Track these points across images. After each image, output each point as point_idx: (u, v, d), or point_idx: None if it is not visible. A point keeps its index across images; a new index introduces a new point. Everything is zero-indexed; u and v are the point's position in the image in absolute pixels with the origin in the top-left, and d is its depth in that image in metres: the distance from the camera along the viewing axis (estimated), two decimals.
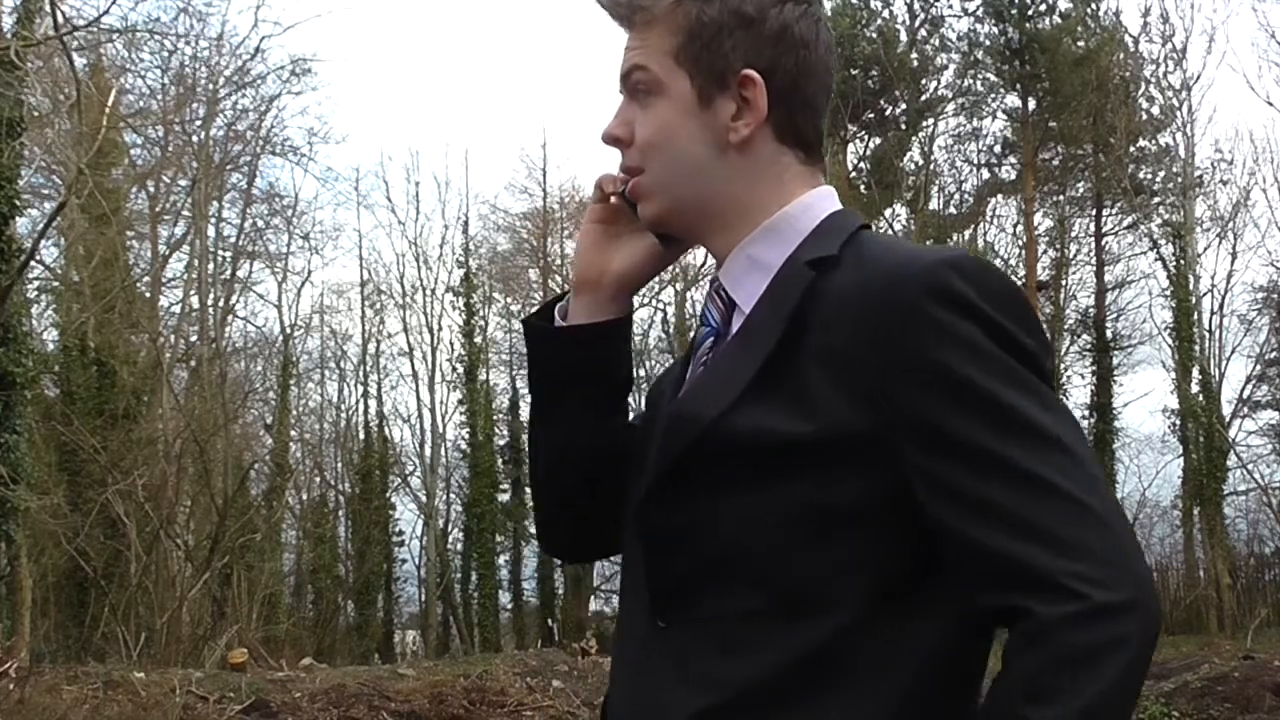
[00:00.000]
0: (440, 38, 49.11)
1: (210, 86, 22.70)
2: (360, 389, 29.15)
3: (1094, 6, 25.40)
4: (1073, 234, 27.20)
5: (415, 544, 28.81)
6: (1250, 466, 24.05)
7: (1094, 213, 26.51)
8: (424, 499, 28.60)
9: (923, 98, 25.83)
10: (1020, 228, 26.17)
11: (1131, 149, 24.69)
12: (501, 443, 28.77)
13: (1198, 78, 24.63)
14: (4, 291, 13.29)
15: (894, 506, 1.14)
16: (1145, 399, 44.58)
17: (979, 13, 25.58)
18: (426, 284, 29.23)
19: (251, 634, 16.94)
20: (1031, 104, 25.67)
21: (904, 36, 25.75)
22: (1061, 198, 26.89)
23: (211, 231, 24.44)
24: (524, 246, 30.96)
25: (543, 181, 30.03)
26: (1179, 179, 24.68)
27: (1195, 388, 23.19)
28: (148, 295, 22.46)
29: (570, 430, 1.39)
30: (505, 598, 28.54)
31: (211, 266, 24.14)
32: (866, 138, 26.17)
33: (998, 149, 26.73)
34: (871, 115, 25.53)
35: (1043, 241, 26.75)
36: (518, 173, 36.07)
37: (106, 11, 15.25)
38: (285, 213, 26.85)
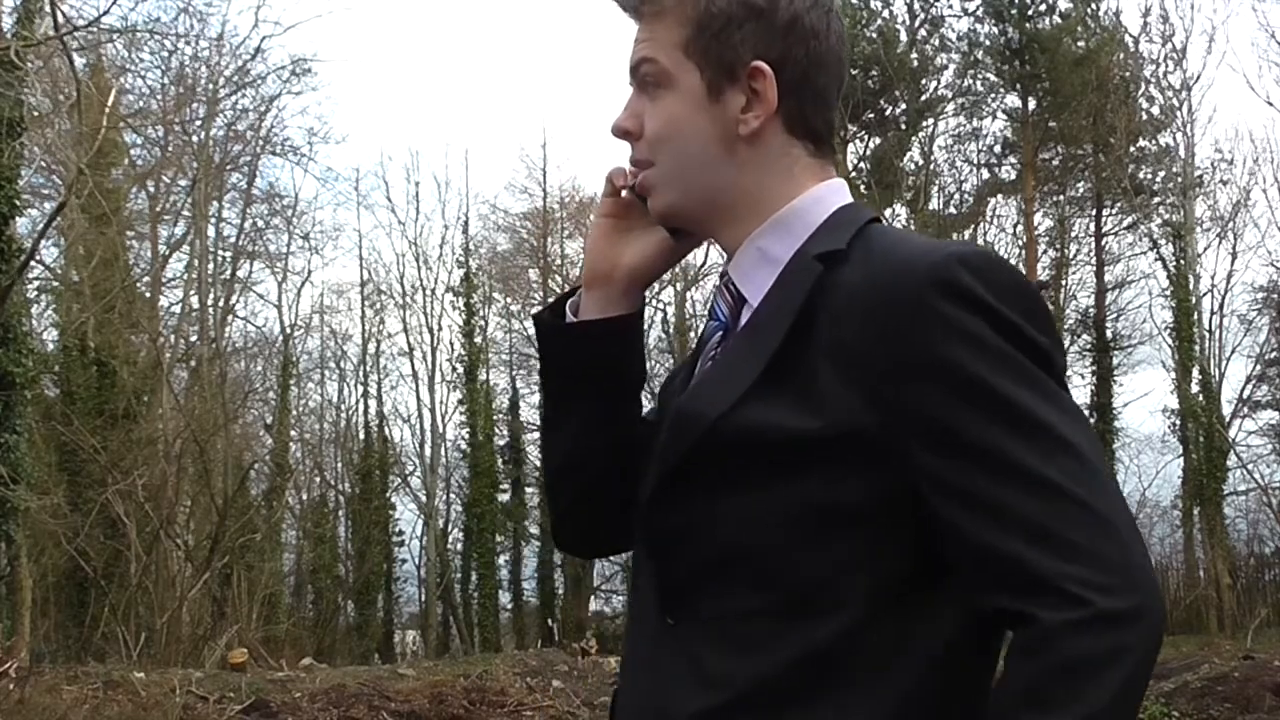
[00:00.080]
0: (440, 38, 49.15)
1: (210, 86, 22.72)
2: (360, 389, 29.20)
3: (1094, 6, 25.41)
4: (1073, 234, 27.22)
5: (415, 544, 28.87)
6: (1250, 466, 24.06)
7: (1094, 213, 26.51)
8: (424, 499, 28.62)
9: (923, 98, 25.83)
10: (1020, 228, 26.18)
11: (1131, 149, 24.69)
12: (501, 443, 28.79)
13: (1198, 78, 24.68)
14: (4, 291, 13.29)
15: (898, 506, 1.14)
16: (1145, 399, 44.66)
17: (979, 13, 25.61)
18: (426, 284, 29.27)
19: (251, 634, 16.94)
20: (1031, 104, 25.68)
21: (904, 36, 25.75)
22: (1061, 198, 26.89)
23: (211, 231, 24.46)
24: (524, 246, 30.98)
25: (543, 181, 30.08)
26: (1179, 179, 24.69)
27: (1195, 388, 23.19)
28: (148, 295, 22.46)
29: (583, 427, 1.38)
30: (505, 598, 28.57)
31: (211, 266, 24.16)
32: (866, 138, 26.18)
33: (998, 149, 26.77)
34: (871, 115, 25.53)
35: (1043, 241, 26.77)
36: (518, 173, 36.12)
37: (106, 11, 15.23)
38: (285, 213, 26.88)
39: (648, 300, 1.45)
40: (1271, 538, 24.24)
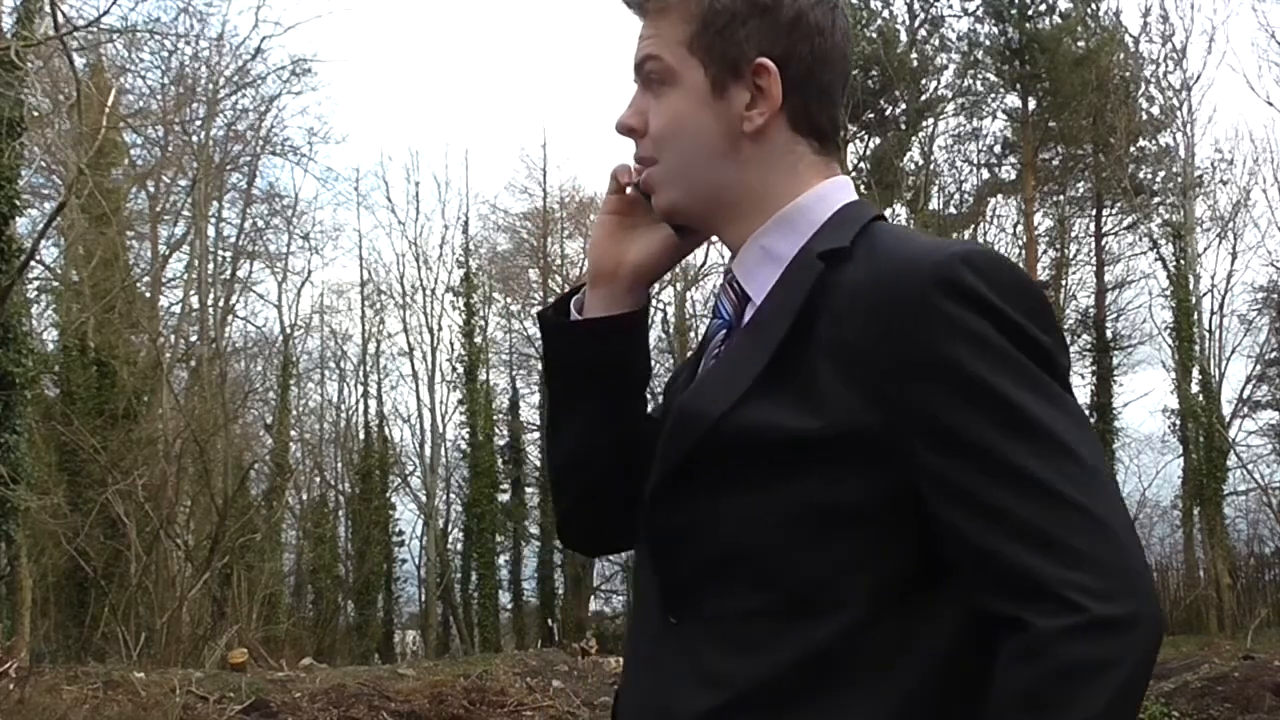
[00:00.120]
0: (440, 38, 49.15)
1: (210, 86, 22.71)
2: (360, 389, 29.21)
3: (1094, 6, 25.40)
4: (1073, 234, 27.21)
5: (415, 544, 28.87)
6: (1250, 466, 24.06)
7: (1094, 213, 26.51)
8: (424, 499, 28.62)
9: (923, 98, 25.83)
10: (1020, 228, 26.18)
11: (1131, 149, 24.69)
12: (501, 443, 28.79)
13: (1198, 78, 24.67)
14: (4, 291, 13.29)
15: (898, 505, 1.13)
16: (1145, 399, 44.63)
17: (979, 13, 25.61)
18: (426, 284, 29.28)
19: (251, 634, 16.94)
20: (1031, 104, 25.68)
21: (904, 36, 25.75)
22: (1061, 198, 26.89)
23: (211, 231, 24.46)
24: (524, 246, 30.98)
25: (543, 181, 30.08)
26: (1179, 179, 24.68)
27: (1195, 388, 23.19)
28: (148, 295, 22.46)
29: (587, 424, 1.38)
30: (505, 598, 28.57)
31: (211, 266, 24.16)
32: (866, 138, 26.18)
33: (998, 149, 26.77)
34: (871, 115, 25.53)
35: (1043, 241, 26.77)
36: (518, 173, 36.14)
37: (107, 12, 15.23)
38: (285, 213, 26.89)
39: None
40: (1271, 538, 24.24)
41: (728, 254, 1.33)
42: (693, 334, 28.12)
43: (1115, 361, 25.39)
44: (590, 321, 1.36)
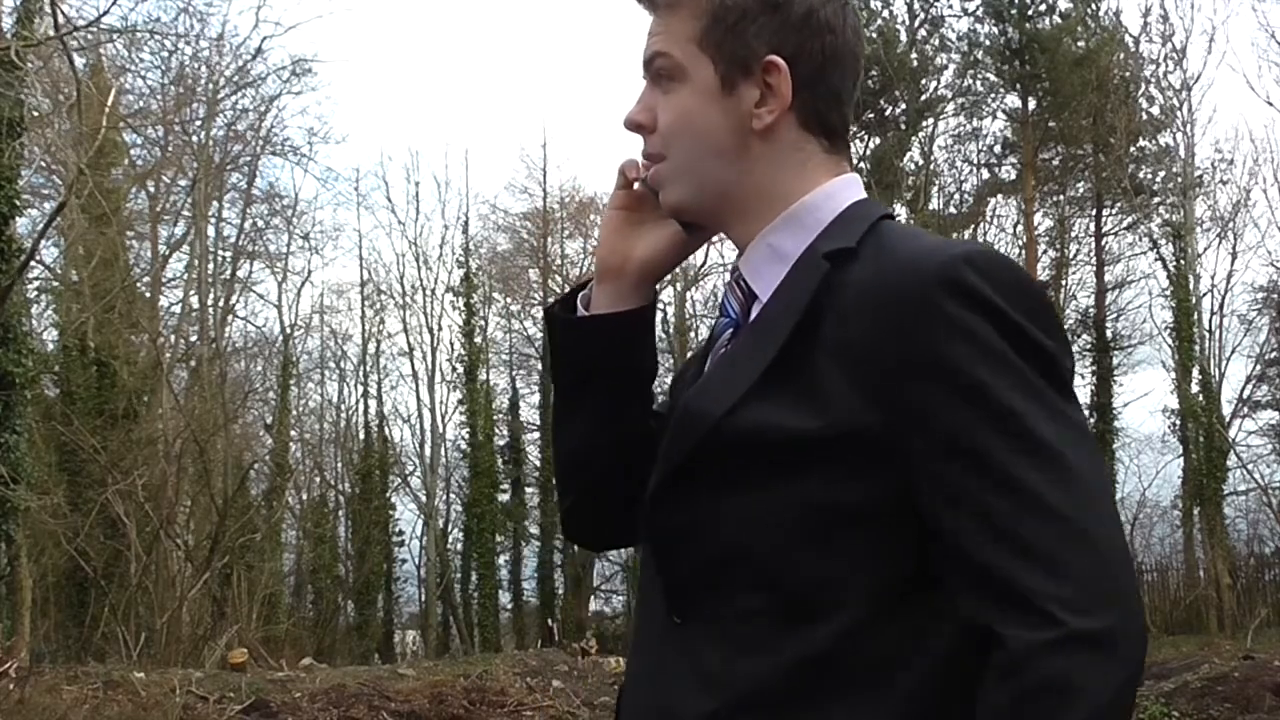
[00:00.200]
0: (440, 38, 49.13)
1: (210, 86, 22.70)
2: (360, 389, 29.19)
3: (1094, 6, 25.38)
4: (1073, 234, 27.18)
5: (415, 544, 28.85)
6: (1250, 466, 24.03)
7: (1094, 213, 26.48)
8: (424, 499, 28.61)
9: (923, 98, 25.81)
10: (1020, 228, 26.15)
11: (1131, 149, 24.66)
12: (501, 443, 28.78)
13: (1198, 78, 24.62)
14: (4, 291, 13.29)
15: (899, 506, 1.13)
16: (1145, 399, 44.58)
17: (979, 13, 25.58)
18: (426, 284, 29.26)
19: (251, 634, 16.93)
20: (1031, 104, 25.66)
21: (904, 36, 25.74)
22: (1061, 198, 26.87)
23: (211, 231, 24.46)
24: (524, 246, 30.97)
25: (543, 181, 30.07)
26: (1179, 179, 24.67)
27: (1195, 388, 23.17)
28: (148, 295, 22.45)
29: (594, 420, 1.38)
30: (505, 598, 28.55)
31: (211, 266, 24.15)
32: (866, 138, 26.15)
33: (998, 149, 26.73)
34: (871, 115, 25.51)
35: (1043, 241, 26.74)
36: (518, 173, 36.13)
37: (107, 12, 15.24)
38: (285, 213, 26.88)
39: None
40: (1271, 538, 24.21)
41: (729, 253, 1.33)
42: (693, 334, 28.12)
43: (1115, 361, 25.37)
44: (597, 317, 1.36)
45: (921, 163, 25.98)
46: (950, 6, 25.98)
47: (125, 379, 19.14)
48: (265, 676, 11.81)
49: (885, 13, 25.67)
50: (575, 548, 24.66)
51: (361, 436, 28.83)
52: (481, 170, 62.64)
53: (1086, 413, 25.22)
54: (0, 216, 13.43)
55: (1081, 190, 26.80)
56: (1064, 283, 26.49)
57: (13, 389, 13.95)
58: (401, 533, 28.56)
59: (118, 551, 17.04)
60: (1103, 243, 26.47)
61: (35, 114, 15.01)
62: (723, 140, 1.26)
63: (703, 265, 26.78)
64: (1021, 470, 1.07)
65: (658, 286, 1.42)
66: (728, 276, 1.35)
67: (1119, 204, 25.63)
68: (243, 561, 19.55)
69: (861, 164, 25.87)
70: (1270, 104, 31.32)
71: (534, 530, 28.85)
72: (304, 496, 27.07)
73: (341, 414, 29.66)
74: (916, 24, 26.05)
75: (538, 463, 28.81)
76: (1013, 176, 26.40)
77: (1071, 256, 27.11)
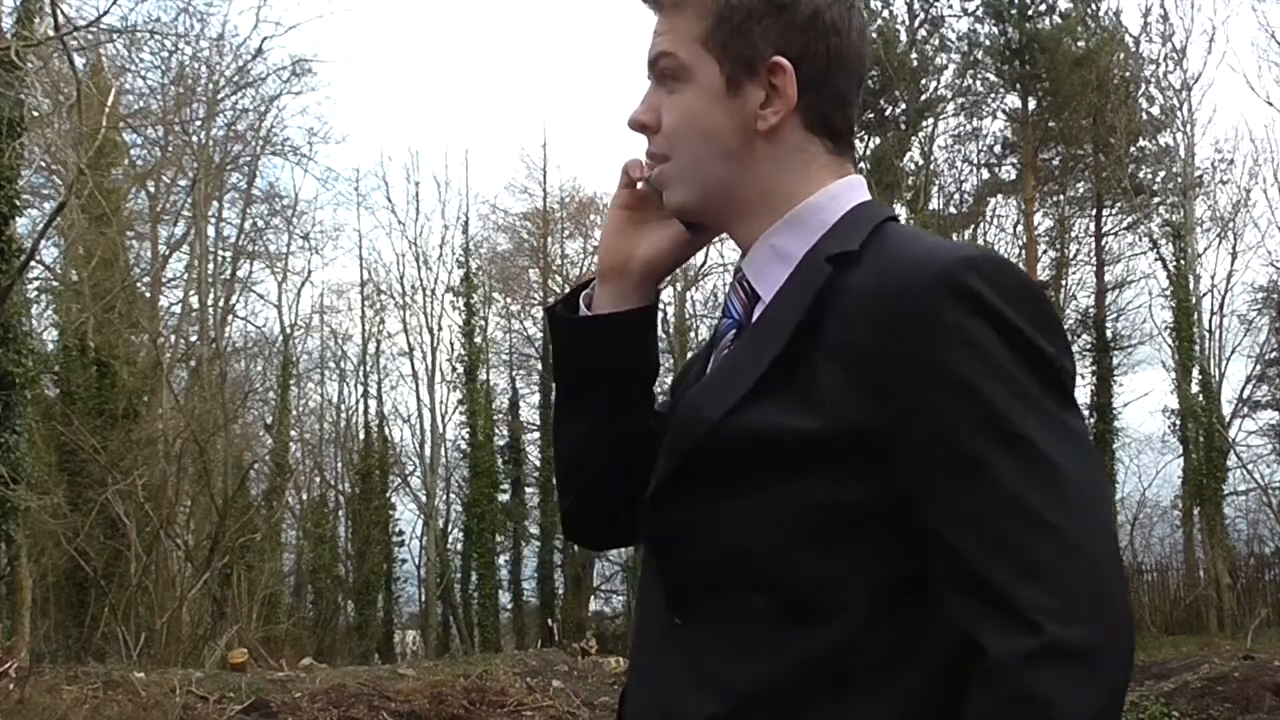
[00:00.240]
0: (440, 38, 49.12)
1: (210, 86, 22.70)
2: (360, 389, 29.19)
3: (1094, 6, 25.38)
4: (1073, 234, 27.18)
5: (415, 544, 28.85)
6: (1250, 466, 24.03)
7: (1094, 213, 26.48)
8: (424, 499, 28.61)
9: (923, 98, 25.81)
10: (1020, 228, 26.15)
11: (1131, 149, 24.65)
12: (501, 443, 28.78)
13: (1198, 78, 24.62)
14: (4, 291, 13.28)
15: (899, 507, 1.13)
16: (1145, 399, 44.51)
17: (979, 13, 25.58)
18: (426, 284, 29.26)
19: (251, 634, 16.93)
20: (1031, 104, 25.66)
21: (904, 36, 25.73)
22: (1061, 198, 26.86)
23: (211, 231, 24.46)
24: (524, 246, 30.97)
25: (543, 181, 30.07)
26: (1179, 179, 24.67)
27: (1195, 388, 23.17)
28: (148, 295, 22.45)
29: (595, 420, 1.37)
30: (505, 598, 28.55)
31: (211, 266, 24.15)
32: (866, 138, 26.15)
33: (998, 149, 26.73)
34: (871, 115, 25.51)
35: (1043, 241, 26.74)
36: (518, 173, 36.10)
37: (107, 12, 15.26)
38: (285, 213, 26.88)
39: None
40: (1271, 538, 24.21)
41: (730, 253, 1.33)
42: (693, 334, 28.12)
43: (1115, 361, 25.37)
44: (599, 317, 1.36)
45: (921, 163, 25.98)
46: (950, 6, 26.00)
47: (125, 379, 19.15)
48: (265, 676, 11.81)
49: (885, 13, 25.67)
50: (575, 548, 24.67)
51: (361, 436, 28.84)
52: (481, 170, 62.73)
53: (1086, 413, 25.29)
54: (0, 216, 13.43)
55: (1081, 190, 26.80)
56: (1064, 283, 26.50)
57: (13, 389, 13.95)
58: (401, 533, 28.60)
59: (118, 551, 17.04)
60: (1103, 243, 26.48)
61: (35, 114, 15.00)
62: (727, 141, 1.26)
63: (703, 265, 26.80)
64: (1014, 478, 1.07)
65: (659, 287, 1.42)
66: (730, 277, 1.35)
67: (1119, 204, 25.63)
68: (243, 561, 19.55)
69: (861, 164, 25.87)
70: (1270, 104, 31.35)
71: (534, 530, 28.85)
72: (304, 496, 27.07)
73: (341, 414, 29.70)
74: (916, 24, 26.05)
75: (538, 463, 28.81)
76: (1013, 176, 26.40)
77: (1071, 256, 27.13)
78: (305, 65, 23.37)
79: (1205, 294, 24.48)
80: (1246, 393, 25.63)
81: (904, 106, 25.49)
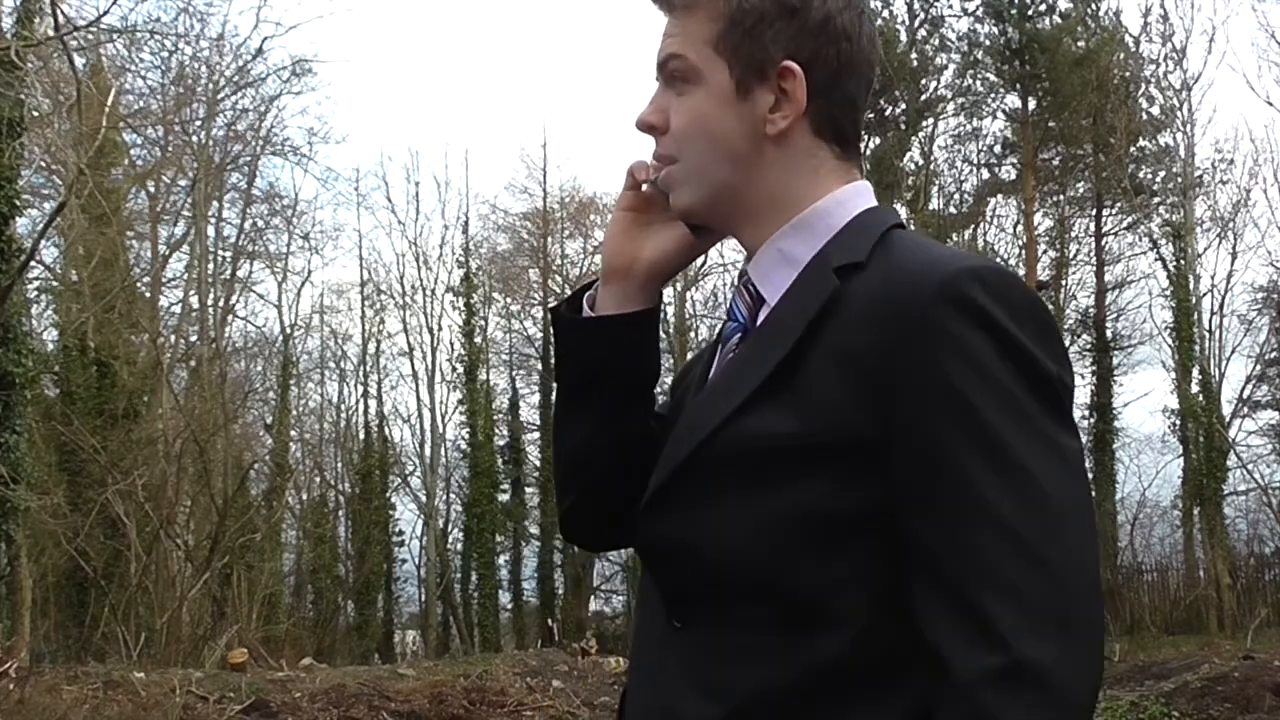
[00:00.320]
0: (440, 38, 49.11)
1: (210, 86, 22.70)
2: (360, 389, 29.19)
3: (1094, 6, 25.37)
4: (1073, 234, 27.19)
5: (415, 544, 28.85)
6: (1250, 466, 24.02)
7: (1094, 213, 26.49)
8: (424, 499, 28.61)
9: (923, 98, 25.80)
10: (1020, 228, 26.14)
11: (1131, 149, 24.65)
12: (501, 443, 28.78)
13: (1198, 78, 24.60)
14: (4, 291, 13.28)
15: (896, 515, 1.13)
16: (1145, 399, 44.51)
17: (979, 13, 25.57)
18: (426, 284, 29.26)
19: (251, 634, 16.93)
20: (1031, 104, 25.65)
21: (904, 36, 25.73)
22: (1061, 198, 26.86)
23: (211, 231, 24.46)
24: (524, 246, 30.96)
25: (543, 181, 30.06)
26: (1179, 179, 24.66)
27: (1195, 388, 23.16)
28: (148, 295, 22.45)
29: (597, 420, 1.37)
30: (505, 598, 28.55)
31: (211, 266, 24.16)
32: (866, 138, 26.15)
33: (998, 149, 26.72)
34: (871, 115, 25.49)
35: (1043, 241, 26.73)
36: (518, 173, 36.09)
37: (107, 12, 15.27)
38: (285, 213, 26.89)
39: None
40: (1271, 538, 24.19)
41: (730, 254, 1.33)
42: (693, 334, 28.11)
43: (1115, 361, 25.38)
44: (603, 318, 1.36)
45: (921, 163, 25.98)
46: (950, 6, 25.99)
47: (125, 379, 19.14)
48: (265, 676, 11.81)
49: (885, 13, 25.66)
50: (575, 548, 24.65)
51: (361, 436, 28.84)
52: (481, 170, 62.69)
53: (1086, 412, 25.25)
54: (0, 216, 13.43)
55: (1081, 190, 26.80)
56: (1064, 283, 26.51)
57: (13, 389, 13.95)
58: (401, 533, 28.59)
59: (118, 551, 17.04)
60: (1103, 243, 26.48)
61: (35, 114, 15.00)
62: (736, 144, 1.26)
63: (703, 266, 26.79)
64: (996, 493, 1.07)
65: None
66: (734, 279, 1.35)
67: (1119, 204, 25.63)
68: (243, 561, 19.55)
69: (861, 164, 25.85)
70: (1270, 104, 31.34)
71: (534, 530, 28.85)
72: (304, 496, 27.07)
73: (341, 414, 29.70)
74: (916, 24, 26.05)
75: (538, 463, 28.80)
76: (1013, 176, 26.39)
77: (1071, 256, 27.14)
78: (305, 65, 23.40)
79: (1205, 294, 24.49)
80: (1246, 393, 25.65)
81: (904, 106, 25.49)
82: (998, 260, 23.58)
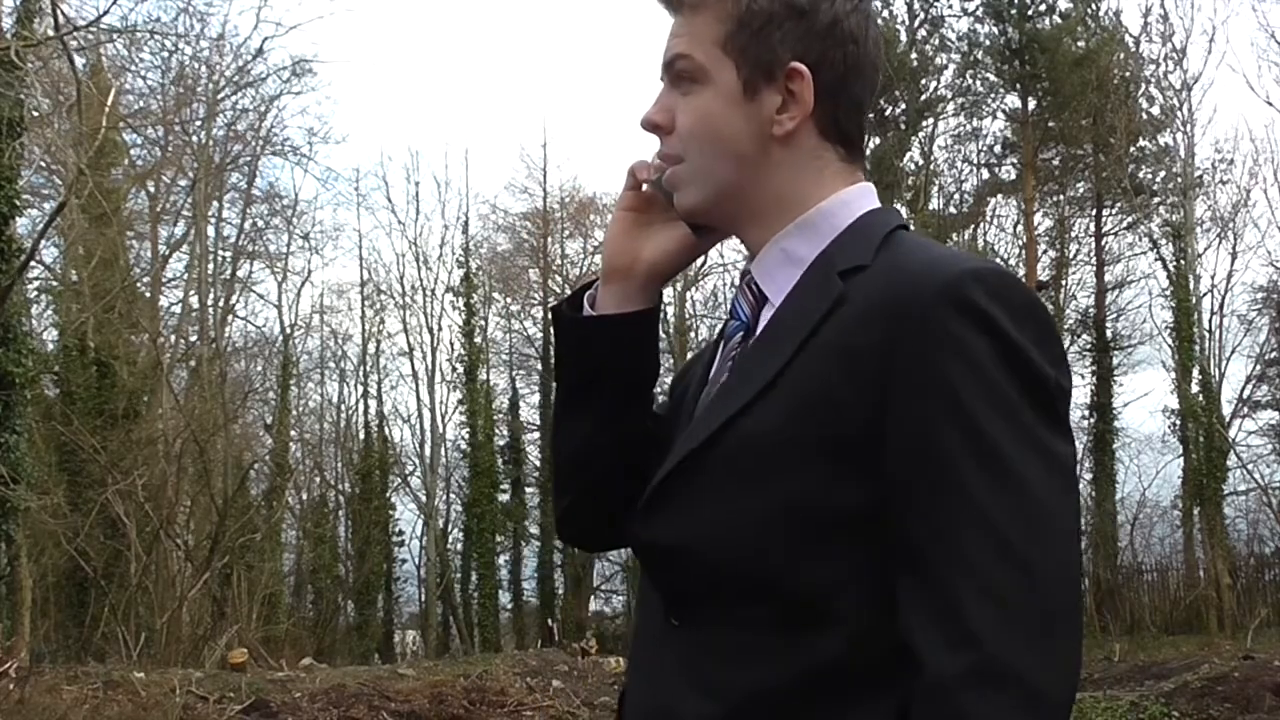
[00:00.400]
0: (440, 38, 49.11)
1: (210, 86, 22.69)
2: (360, 389, 29.18)
3: (1094, 6, 25.37)
4: (1073, 234, 27.19)
5: (415, 544, 28.84)
6: (1250, 466, 24.02)
7: (1094, 213, 26.49)
8: (424, 499, 28.60)
9: (922, 98, 25.80)
10: (1020, 228, 26.15)
11: (1131, 149, 24.65)
12: (501, 443, 28.78)
13: (1198, 78, 24.57)
14: (4, 291, 13.28)
15: None
16: (1145, 399, 44.42)
17: (979, 13, 25.57)
18: (426, 284, 29.24)
19: (251, 634, 16.93)
20: (1031, 104, 25.65)
21: (904, 36, 25.73)
22: (1061, 198, 26.86)
23: (211, 231, 24.45)
24: (524, 246, 30.96)
25: (543, 181, 30.06)
26: (1179, 179, 24.65)
27: (1195, 388, 23.16)
28: (148, 295, 22.45)
29: (597, 420, 1.37)
30: (505, 598, 28.54)
31: (211, 266, 24.15)
32: (866, 138, 26.19)
33: (998, 149, 26.72)
34: (871, 115, 25.43)
35: (1043, 241, 26.73)
36: (518, 173, 36.02)
37: (107, 12, 15.28)
38: (285, 213, 26.88)
39: None
40: (1271, 538, 24.19)
41: (730, 254, 1.33)
42: (693, 334, 28.11)
43: (1115, 361, 25.38)
44: (604, 318, 1.36)
45: (921, 163, 25.98)
46: (950, 6, 25.98)
47: (125, 379, 19.14)
48: (265, 676, 11.81)
49: (885, 13, 25.65)
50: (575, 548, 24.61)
51: (361, 436, 28.83)
52: (481, 170, 62.69)
53: (1086, 412, 25.18)
54: (0, 216, 13.43)
55: (1081, 190, 26.80)
56: (1064, 283, 26.51)
57: (13, 389, 13.94)
58: (401, 533, 28.59)
59: (118, 551, 17.04)
60: (1103, 243, 26.49)
61: (35, 114, 15.00)
62: (743, 145, 1.26)
63: (703, 266, 26.78)
64: (984, 495, 1.07)
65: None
66: (735, 279, 1.35)
67: (1119, 204, 25.63)
68: (243, 561, 19.55)
69: None
70: (1270, 104, 31.25)
71: (534, 530, 28.85)
72: (304, 496, 27.07)
73: (341, 414, 29.69)
74: (916, 24, 26.05)
75: (538, 463, 28.80)
76: (1013, 176, 26.39)
77: (1071, 256, 27.14)
78: (305, 65, 23.37)
79: (1205, 294, 24.48)
80: (1246, 393, 25.65)
81: (904, 106, 25.49)
82: (998, 261, 23.64)
